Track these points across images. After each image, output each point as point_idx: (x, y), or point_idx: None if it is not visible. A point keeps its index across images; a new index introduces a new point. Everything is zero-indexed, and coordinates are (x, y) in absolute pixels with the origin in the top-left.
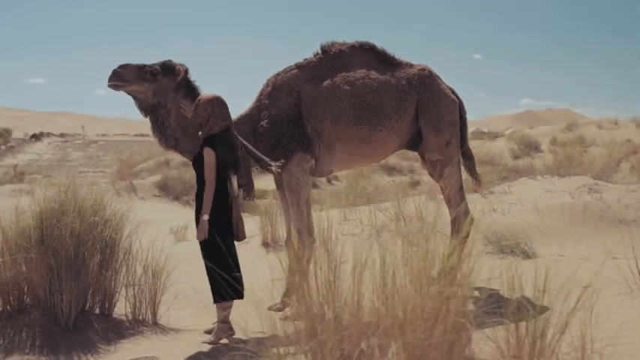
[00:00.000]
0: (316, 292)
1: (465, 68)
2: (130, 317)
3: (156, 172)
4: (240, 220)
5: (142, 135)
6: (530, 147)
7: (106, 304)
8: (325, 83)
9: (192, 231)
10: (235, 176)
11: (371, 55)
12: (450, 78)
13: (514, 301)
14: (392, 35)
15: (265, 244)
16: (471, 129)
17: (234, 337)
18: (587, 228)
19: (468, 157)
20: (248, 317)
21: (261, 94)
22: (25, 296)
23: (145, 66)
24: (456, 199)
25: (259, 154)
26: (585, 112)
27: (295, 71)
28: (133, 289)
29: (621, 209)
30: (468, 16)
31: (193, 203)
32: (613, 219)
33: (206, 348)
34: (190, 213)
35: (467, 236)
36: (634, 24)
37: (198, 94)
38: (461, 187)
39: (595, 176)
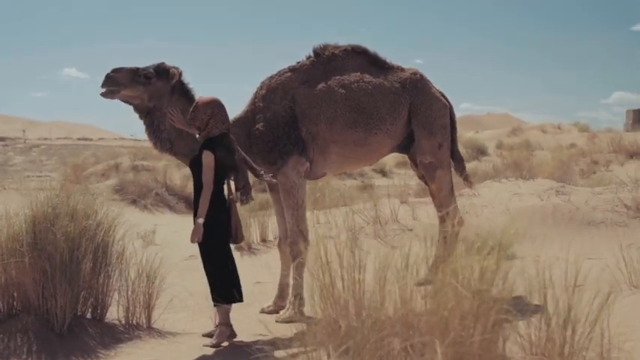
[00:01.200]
0: (343, 293)
1: None
2: (124, 321)
3: (106, 177)
4: (239, 223)
5: (86, 139)
6: (478, 151)
7: (98, 309)
8: (320, 86)
9: (160, 235)
10: (233, 179)
11: (363, 59)
12: None
13: (531, 299)
14: (336, 38)
15: (238, 248)
16: None
17: (235, 339)
18: (558, 229)
19: (458, 159)
20: (243, 320)
21: (255, 96)
22: (15, 301)
23: (138, 69)
24: (447, 201)
25: (251, 163)
26: (524, 116)
27: (289, 74)
28: (127, 292)
29: (589, 211)
30: (409, 21)
31: (152, 207)
32: (582, 221)
33: (209, 351)
34: (151, 217)
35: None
36: (566, 32)
37: (192, 97)
38: (452, 189)
39: (558, 179)
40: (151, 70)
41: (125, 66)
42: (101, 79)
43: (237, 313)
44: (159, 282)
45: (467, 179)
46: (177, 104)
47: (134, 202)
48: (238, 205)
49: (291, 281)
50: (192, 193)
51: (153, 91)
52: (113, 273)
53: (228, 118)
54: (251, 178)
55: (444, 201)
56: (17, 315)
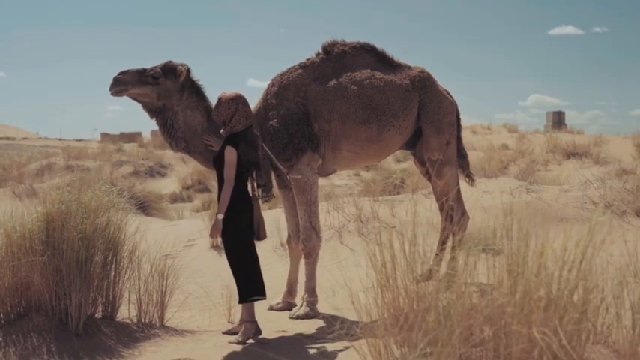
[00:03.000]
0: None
1: None
2: (135, 320)
3: (40, 177)
4: (261, 220)
5: (8, 138)
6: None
7: (109, 308)
8: (331, 83)
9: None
10: (255, 175)
11: (372, 56)
12: None
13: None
14: (261, 39)
15: (215, 247)
16: None
17: (259, 336)
18: (533, 226)
19: (462, 156)
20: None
21: (267, 93)
22: (23, 301)
23: (145, 70)
24: (453, 198)
25: (277, 163)
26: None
27: (300, 71)
28: (139, 291)
29: (561, 208)
30: (336, 21)
31: (150, 211)
32: (555, 217)
33: (236, 348)
34: None
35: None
36: (485, 35)
37: (203, 94)
38: (458, 186)
39: (518, 177)
40: (158, 70)
41: (132, 68)
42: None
43: (240, 310)
44: (172, 280)
45: (469, 176)
46: (188, 101)
47: None
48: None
49: (303, 277)
50: (217, 190)
51: (162, 90)
52: (125, 271)
53: (251, 113)
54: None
55: (450, 197)
56: (27, 315)
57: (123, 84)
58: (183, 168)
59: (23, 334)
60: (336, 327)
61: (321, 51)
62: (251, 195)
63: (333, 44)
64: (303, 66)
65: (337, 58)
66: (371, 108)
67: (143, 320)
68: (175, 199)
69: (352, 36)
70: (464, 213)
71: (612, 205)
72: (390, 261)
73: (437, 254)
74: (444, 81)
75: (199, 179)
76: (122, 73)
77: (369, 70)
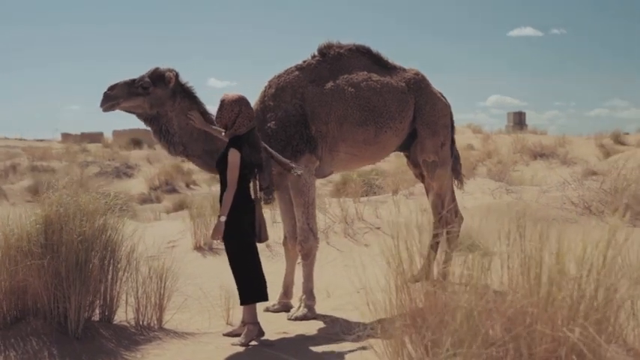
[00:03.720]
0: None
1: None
2: (133, 323)
3: (3, 178)
4: (263, 222)
5: None
6: None
7: (106, 311)
8: (328, 85)
9: None
10: (258, 177)
11: (367, 58)
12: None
13: None
14: (214, 39)
15: (198, 248)
16: None
17: (262, 338)
18: (514, 226)
19: (455, 157)
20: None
21: (264, 95)
22: (19, 304)
23: (134, 81)
24: (447, 199)
25: (281, 157)
26: None
27: (297, 73)
28: (137, 293)
29: (541, 208)
30: (293, 22)
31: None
32: (536, 218)
33: (239, 350)
34: None
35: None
36: (444, 36)
37: (195, 96)
38: (452, 187)
39: (495, 178)
40: (147, 79)
41: (120, 81)
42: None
43: (239, 312)
44: (171, 282)
45: (459, 179)
46: (181, 106)
47: None
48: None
49: (301, 279)
50: (220, 192)
51: (153, 99)
52: (122, 273)
53: (254, 115)
54: None
55: (444, 198)
56: (24, 318)
57: (113, 99)
58: (149, 168)
59: (22, 338)
60: (357, 327)
61: (316, 53)
62: (253, 197)
63: (329, 46)
64: (299, 68)
65: (333, 60)
66: (368, 110)
67: (141, 323)
68: (144, 200)
69: (314, 31)
70: (457, 213)
71: (591, 206)
72: (407, 262)
73: (428, 255)
74: None
75: (166, 180)
76: (111, 88)
77: (365, 73)
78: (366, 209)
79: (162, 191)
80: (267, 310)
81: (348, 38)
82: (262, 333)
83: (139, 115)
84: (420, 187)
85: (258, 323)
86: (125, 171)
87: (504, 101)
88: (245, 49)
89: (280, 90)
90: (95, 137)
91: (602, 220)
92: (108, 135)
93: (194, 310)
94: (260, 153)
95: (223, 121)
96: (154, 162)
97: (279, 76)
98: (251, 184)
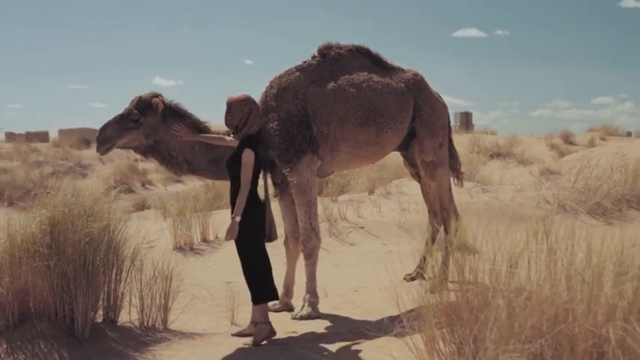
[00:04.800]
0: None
1: (236, 73)
2: (137, 324)
3: None
4: (273, 221)
5: None
6: None
7: (110, 312)
8: (330, 86)
9: None
10: (270, 174)
11: (367, 59)
12: (222, 83)
13: None
14: (163, 38)
15: (178, 248)
16: None
17: (274, 337)
18: (493, 225)
19: (453, 157)
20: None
21: (266, 95)
22: (22, 306)
23: (122, 116)
24: (446, 198)
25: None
26: None
27: (298, 74)
28: (141, 294)
29: (517, 207)
30: (238, 22)
31: (31, 210)
32: (513, 216)
33: (252, 350)
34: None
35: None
36: (390, 36)
37: (185, 112)
38: (450, 187)
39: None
40: (135, 112)
41: (109, 120)
42: None
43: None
44: (176, 282)
45: (459, 177)
46: (175, 125)
47: (12, 204)
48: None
49: (304, 278)
50: (230, 193)
51: (146, 129)
52: (126, 274)
53: (262, 112)
54: None
55: (443, 197)
56: (27, 321)
57: (108, 141)
58: (103, 168)
59: (29, 341)
60: (385, 323)
61: (317, 54)
62: (263, 196)
63: (329, 47)
64: (300, 68)
65: (333, 61)
66: (370, 110)
67: (146, 324)
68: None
69: (259, 31)
70: (455, 213)
71: (565, 204)
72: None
73: (424, 255)
74: None
75: (122, 179)
76: (102, 130)
77: (366, 73)
78: (348, 209)
79: (119, 191)
80: (267, 310)
81: (296, 37)
82: (274, 332)
83: (137, 149)
84: (396, 186)
85: (269, 323)
86: (79, 171)
87: (449, 102)
88: (190, 48)
89: (282, 90)
90: (41, 136)
91: (577, 219)
92: (53, 134)
93: (194, 311)
94: (270, 149)
95: (234, 123)
96: (107, 162)
97: (281, 77)
98: (261, 183)
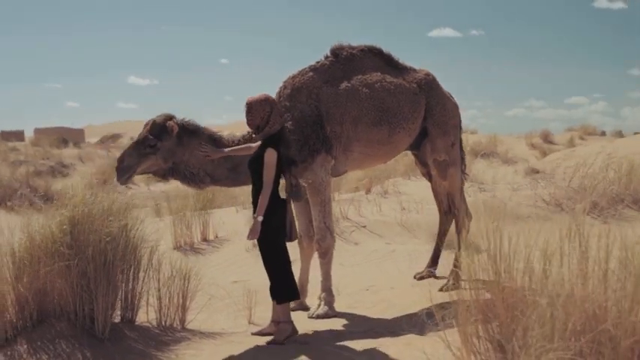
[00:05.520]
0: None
1: (211, 72)
2: (155, 323)
3: None
4: (293, 220)
5: None
6: None
7: (128, 312)
8: (343, 86)
9: None
10: (290, 174)
11: (380, 59)
12: (197, 82)
13: None
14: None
15: (178, 248)
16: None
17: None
18: (493, 224)
19: (461, 157)
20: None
21: (279, 95)
22: (41, 306)
23: (137, 143)
24: (458, 197)
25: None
26: None
27: (311, 74)
28: (159, 293)
29: (515, 206)
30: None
31: (18, 209)
32: (512, 215)
33: (276, 349)
34: (16, 219)
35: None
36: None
37: (198, 127)
38: (462, 186)
39: None
40: (151, 137)
41: (125, 149)
42: None
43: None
44: (195, 282)
45: (463, 177)
46: (191, 145)
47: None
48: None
49: (319, 277)
50: (252, 193)
51: (164, 153)
52: (144, 273)
53: (281, 111)
54: None
55: (455, 197)
56: (45, 321)
57: (128, 170)
58: (85, 167)
59: (49, 341)
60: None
61: (329, 54)
62: (284, 195)
63: (341, 47)
64: (313, 69)
65: (346, 61)
66: (382, 110)
67: (164, 323)
68: None
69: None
70: (467, 212)
71: (562, 203)
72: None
73: (433, 256)
74: None
75: (104, 179)
76: (120, 160)
77: (379, 74)
78: (350, 208)
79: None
80: (290, 309)
81: (272, 36)
82: (296, 331)
83: (156, 173)
84: (393, 185)
85: (292, 322)
86: (60, 170)
87: None
88: (166, 47)
89: (296, 91)
90: (18, 135)
91: (574, 218)
92: (29, 133)
93: (210, 310)
94: (291, 148)
95: (255, 122)
96: (87, 161)
97: (294, 77)
98: (282, 182)
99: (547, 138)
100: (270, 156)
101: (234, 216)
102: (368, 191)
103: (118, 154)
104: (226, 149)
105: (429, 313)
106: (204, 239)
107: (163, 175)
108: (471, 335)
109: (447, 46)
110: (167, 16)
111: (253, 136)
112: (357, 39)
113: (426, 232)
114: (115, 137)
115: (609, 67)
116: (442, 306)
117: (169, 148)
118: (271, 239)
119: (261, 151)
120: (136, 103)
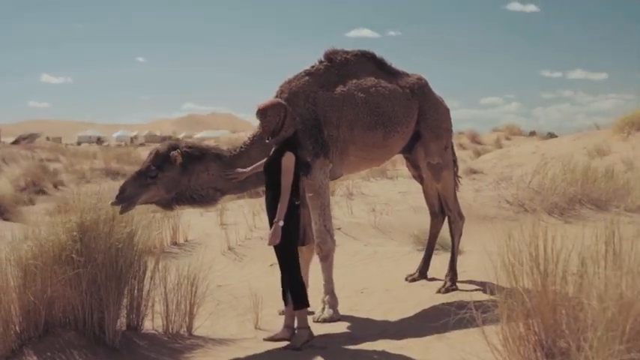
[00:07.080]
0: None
1: (127, 71)
2: (161, 331)
3: None
4: (308, 225)
5: None
6: None
7: (134, 320)
8: (338, 90)
9: None
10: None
11: (373, 64)
12: (113, 81)
13: None
14: (51, 34)
15: (152, 254)
16: (143, 133)
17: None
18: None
19: (452, 160)
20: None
21: None
22: (48, 315)
23: (139, 173)
24: (451, 200)
25: None
26: (248, 117)
27: (307, 78)
28: (165, 300)
29: (480, 207)
30: (130, 19)
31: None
32: (477, 216)
33: (295, 355)
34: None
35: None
36: (285, 35)
37: (201, 149)
38: (454, 188)
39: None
40: (153, 168)
41: (128, 178)
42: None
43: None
44: (203, 288)
45: (456, 181)
46: (197, 170)
47: None
48: None
49: (312, 281)
50: (268, 198)
51: (166, 182)
52: (150, 281)
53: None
54: None
55: (448, 199)
56: (51, 330)
57: (129, 199)
58: (11, 169)
59: (60, 350)
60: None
61: (323, 59)
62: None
63: (335, 52)
64: (309, 73)
65: (340, 66)
66: (378, 115)
67: (170, 331)
68: (17, 201)
69: (147, 24)
70: (459, 214)
71: (524, 204)
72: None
73: (425, 258)
74: (248, 84)
75: (33, 180)
76: (122, 190)
77: (373, 78)
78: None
79: (31, 192)
80: (281, 313)
81: (189, 36)
82: (313, 336)
83: (159, 203)
84: (356, 187)
85: (309, 327)
86: None
87: None
88: (80, 44)
89: (293, 95)
90: None
91: (539, 218)
92: None
93: (215, 316)
94: (303, 151)
95: (271, 128)
96: (10, 161)
97: (290, 82)
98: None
99: (475, 138)
100: (289, 160)
101: (199, 219)
102: (332, 193)
103: (42, 154)
104: (248, 168)
105: (443, 314)
106: (175, 243)
107: (168, 205)
108: (515, 338)
109: (365, 46)
110: (81, 13)
111: (267, 140)
112: (273, 40)
113: (401, 234)
114: (32, 137)
115: (522, 68)
116: (461, 305)
117: (172, 177)
118: (288, 244)
119: (277, 155)
120: (50, 101)
